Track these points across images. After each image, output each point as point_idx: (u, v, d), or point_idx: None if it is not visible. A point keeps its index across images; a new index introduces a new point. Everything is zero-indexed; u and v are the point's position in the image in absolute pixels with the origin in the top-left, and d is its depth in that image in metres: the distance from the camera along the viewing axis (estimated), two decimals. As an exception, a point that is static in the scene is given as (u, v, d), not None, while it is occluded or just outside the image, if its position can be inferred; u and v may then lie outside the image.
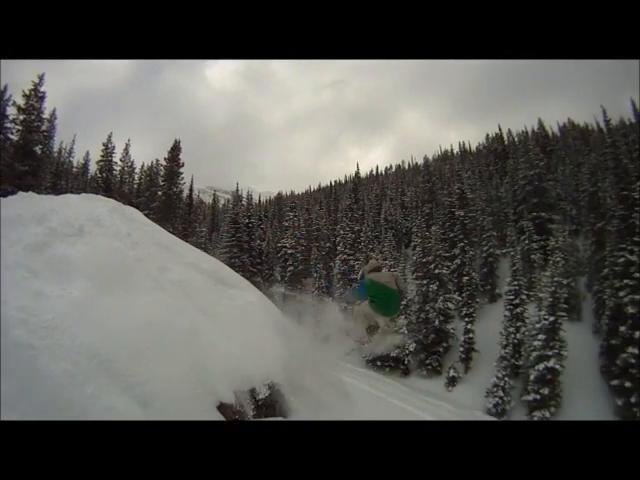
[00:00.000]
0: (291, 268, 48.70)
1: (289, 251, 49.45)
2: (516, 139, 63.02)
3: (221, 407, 6.74)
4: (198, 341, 7.31)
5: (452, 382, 31.93)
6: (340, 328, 35.90)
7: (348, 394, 17.41)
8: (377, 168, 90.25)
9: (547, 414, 26.32)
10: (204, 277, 9.74)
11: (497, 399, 28.13)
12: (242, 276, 15.22)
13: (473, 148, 75.50)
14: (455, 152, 76.51)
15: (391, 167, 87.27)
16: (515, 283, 31.25)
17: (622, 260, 27.82)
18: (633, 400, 24.81)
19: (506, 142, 63.79)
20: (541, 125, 62.47)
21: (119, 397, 5.88)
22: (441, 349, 34.10)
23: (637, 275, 26.46)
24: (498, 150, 61.81)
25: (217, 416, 6.66)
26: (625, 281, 27.13)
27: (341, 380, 26.30)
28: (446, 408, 27.14)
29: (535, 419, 26.53)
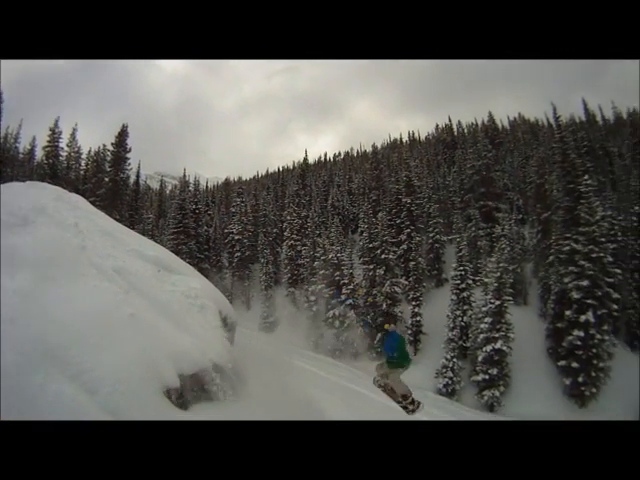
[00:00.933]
0: (238, 254, 48.24)
1: (236, 237, 48.96)
2: (465, 130, 64.53)
3: (167, 392, 6.89)
4: (142, 327, 7.43)
5: None
6: (289, 314, 35.67)
7: (298, 376, 17.47)
8: (325, 155, 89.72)
9: (497, 393, 27.40)
10: (148, 264, 9.81)
11: (447, 379, 28.99)
12: (189, 263, 15.58)
13: (422, 138, 76.18)
14: (404, 141, 76.99)
15: (340, 154, 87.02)
16: (461, 268, 32.04)
17: (567, 248, 29.02)
18: (580, 380, 26.40)
19: (455, 133, 64.80)
20: (491, 118, 63.76)
21: (67, 385, 5.93)
22: (389, 332, 34.19)
23: (582, 263, 27.67)
24: (447, 140, 62.66)
25: (163, 400, 6.80)
26: (570, 268, 28.40)
27: (289, 362, 26.36)
28: None
29: (485, 398, 27.56)
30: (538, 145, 51.20)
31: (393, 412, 22.25)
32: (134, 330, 7.18)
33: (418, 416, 11.82)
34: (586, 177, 30.61)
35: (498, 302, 27.96)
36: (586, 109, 60.18)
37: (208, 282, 11.54)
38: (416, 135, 77.94)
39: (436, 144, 65.93)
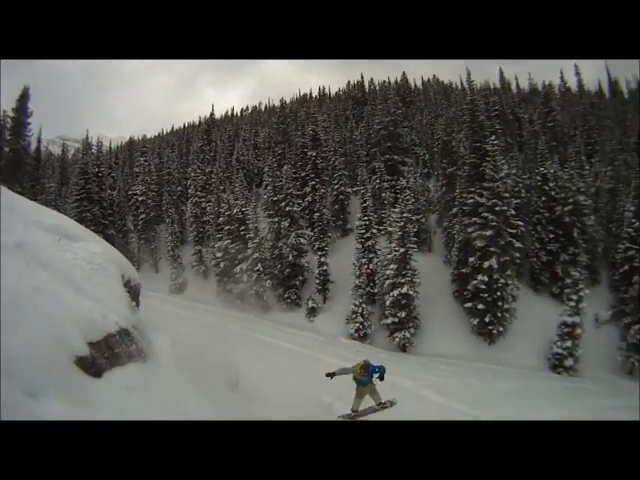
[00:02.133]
0: (143, 216, 46.09)
1: (140, 198, 46.68)
2: (378, 88, 64.75)
3: (79, 361, 6.39)
4: (46, 300, 6.80)
5: (312, 313, 32.86)
6: (196, 273, 34.83)
7: (209, 333, 17.02)
8: (233, 109, 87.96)
9: (407, 335, 28.24)
10: (49, 234, 9.05)
11: (357, 324, 29.42)
12: (94, 230, 15.81)
13: (333, 93, 76.63)
14: (314, 96, 76.88)
15: (247, 108, 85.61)
16: (366, 218, 32.40)
17: (471, 201, 30.09)
18: (487, 320, 28.06)
19: (367, 90, 65.19)
20: (404, 77, 64.93)
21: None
22: (297, 282, 34.88)
23: (485, 215, 28.76)
24: (358, 96, 63.21)
25: (76, 371, 6.32)
26: (474, 219, 29.48)
27: (198, 320, 25.73)
28: (311, 337, 28.12)
29: (396, 340, 28.38)
30: (449, 106, 53.19)
31: (303, 358, 22.39)
32: (39, 303, 6.58)
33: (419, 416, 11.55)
34: (493, 137, 31.60)
35: (402, 249, 28.48)
36: (502, 77, 64.44)
37: (110, 246, 10.94)
38: (327, 91, 78.29)
39: (346, 100, 66.56)
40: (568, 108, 54.09)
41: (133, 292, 9.66)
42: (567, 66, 65.85)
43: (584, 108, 52.04)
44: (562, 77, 62.13)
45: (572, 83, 65.30)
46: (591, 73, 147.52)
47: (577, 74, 64.23)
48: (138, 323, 8.54)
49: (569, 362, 26.28)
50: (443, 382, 21.81)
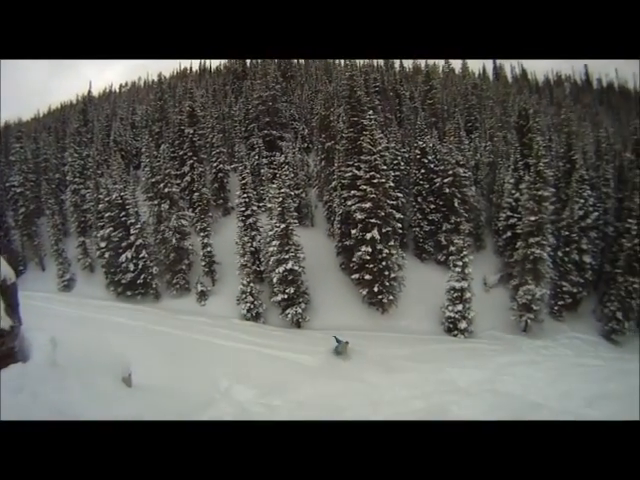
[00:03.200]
0: (23, 210, 42.84)
1: (18, 190, 43.34)
2: (258, 62, 63.63)
3: None
4: None
5: (203, 296, 32.44)
6: (82, 266, 33.63)
7: (98, 329, 16.42)
8: (111, 86, 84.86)
9: (299, 310, 28.50)
10: None
11: (248, 304, 29.23)
12: None
13: (214, 68, 75.97)
14: (194, 70, 75.88)
15: (126, 85, 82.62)
16: (245, 196, 32.29)
17: (349, 174, 30.86)
18: (376, 289, 28.84)
19: (248, 65, 64.07)
20: (286, 52, 63.84)
21: None
22: (184, 266, 33.99)
23: (364, 187, 29.17)
24: (238, 71, 62.23)
25: None
26: (352, 192, 30.05)
27: (85, 317, 24.66)
28: (203, 322, 27.96)
29: (289, 317, 28.63)
30: (330, 82, 53.42)
31: (197, 344, 22.06)
32: None
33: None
34: (371, 112, 31.89)
35: (283, 225, 28.47)
36: None
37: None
38: (207, 65, 77.52)
39: (226, 74, 65.67)
40: (450, 88, 56.71)
41: (9, 291, 9.05)
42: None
43: (466, 88, 54.59)
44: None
45: (457, 65, 70.55)
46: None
47: None
48: (16, 324, 8.28)
49: (463, 325, 27.69)
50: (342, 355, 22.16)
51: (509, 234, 32.60)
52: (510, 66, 70.50)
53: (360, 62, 46.28)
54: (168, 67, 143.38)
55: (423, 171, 34.92)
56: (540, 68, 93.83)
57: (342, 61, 59.81)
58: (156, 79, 66.51)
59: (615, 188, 34.07)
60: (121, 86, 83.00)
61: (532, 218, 28.32)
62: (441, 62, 66.89)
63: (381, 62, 65.54)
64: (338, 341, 22.49)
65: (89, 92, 58.83)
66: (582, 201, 31.53)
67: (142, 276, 33.24)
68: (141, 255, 33.16)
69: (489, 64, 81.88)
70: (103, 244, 34.53)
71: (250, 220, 31.84)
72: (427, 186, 34.63)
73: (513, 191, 33.13)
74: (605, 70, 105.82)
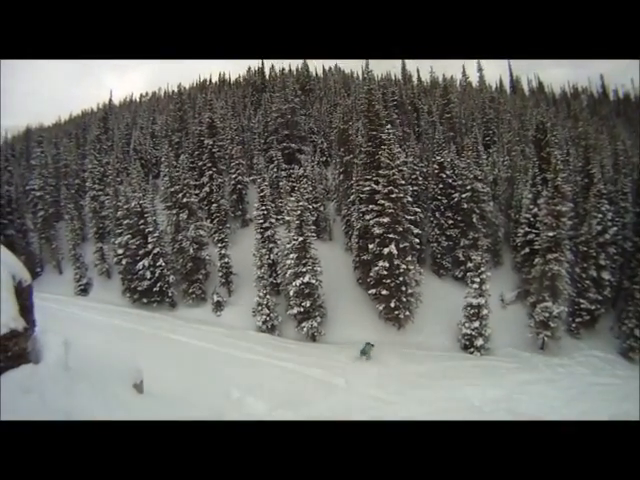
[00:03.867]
0: (42, 213, 43.16)
1: (38, 193, 43.76)
2: (278, 75, 64.34)
3: None
4: None
5: (219, 307, 32.46)
6: (100, 271, 33.90)
7: (114, 334, 16.39)
8: (132, 95, 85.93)
9: (315, 324, 28.45)
10: None
11: (264, 316, 29.23)
12: None
13: (233, 79, 76.16)
14: (214, 82, 76.29)
15: (147, 94, 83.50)
16: (263, 208, 32.33)
17: (368, 189, 30.59)
18: (392, 305, 28.50)
19: (267, 77, 64.85)
20: (305, 65, 65.11)
21: None
22: (201, 276, 34.15)
23: (382, 202, 28.92)
24: (257, 83, 62.90)
25: None
26: (371, 206, 29.88)
27: (101, 321, 24.83)
28: (219, 332, 28.17)
29: (305, 330, 28.55)
30: (348, 95, 53.45)
31: (211, 354, 22.11)
32: None
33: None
34: (389, 126, 31.75)
35: (301, 238, 28.44)
36: (404, 70, 66.83)
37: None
38: (227, 76, 78.01)
39: (246, 86, 66.28)
40: (467, 101, 56.58)
41: (25, 293, 8.94)
42: (470, 63, 68.83)
43: (483, 102, 53.84)
44: (464, 72, 65.58)
45: (474, 79, 68.98)
46: (494, 71, 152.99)
47: (479, 70, 67.64)
48: (30, 325, 8.10)
49: (479, 342, 27.31)
50: (357, 369, 22.02)
51: (527, 250, 32.28)
52: (527, 79, 70.46)
53: (378, 75, 46.42)
54: (188, 78, 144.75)
55: (441, 186, 34.82)
56: (557, 80, 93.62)
57: (360, 74, 60.11)
58: (176, 90, 67.38)
59: (633, 202, 33.61)
60: (141, 96, 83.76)
61: (550, 234, 28.12)
62: (458, 75, 66.95)
63: (399, 75, 65.77)
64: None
65: (110, 100, 60.15)
66: (600, 216, 31.25)
67: (158, 284, 33.37)
68: (158, 263, 33.27)
69: (506, 77, 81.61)
70: (121, 251, 34.72)
71: (268, 232, 31.92)
72: (445, 201, 34.51)
73: (531, 206, 32.94)
74: (621, 81, 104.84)
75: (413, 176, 34.95)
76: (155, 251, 33.41)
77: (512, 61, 71.52)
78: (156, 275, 33.24)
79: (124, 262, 34.59)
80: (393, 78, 62.96)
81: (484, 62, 67.61)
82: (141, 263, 33.49)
